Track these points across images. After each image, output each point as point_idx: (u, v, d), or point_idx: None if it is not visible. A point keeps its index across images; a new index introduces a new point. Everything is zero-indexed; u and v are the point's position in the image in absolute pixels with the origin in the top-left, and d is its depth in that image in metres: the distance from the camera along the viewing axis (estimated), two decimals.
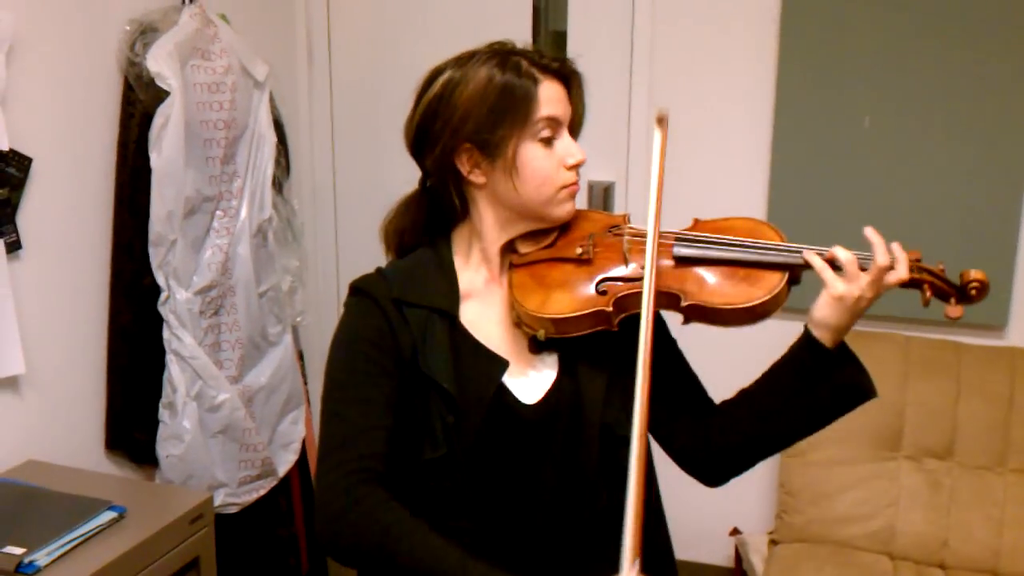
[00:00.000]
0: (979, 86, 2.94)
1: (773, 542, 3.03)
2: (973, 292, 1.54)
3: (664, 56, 3.23)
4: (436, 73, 1.56)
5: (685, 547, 3.30)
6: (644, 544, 1.53)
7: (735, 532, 3.28)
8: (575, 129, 1.57)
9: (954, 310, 1.54)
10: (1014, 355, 2.93)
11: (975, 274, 1.55)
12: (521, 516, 1.49)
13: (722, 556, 3.46)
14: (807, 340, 1.51)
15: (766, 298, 1.46)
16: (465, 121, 1.49)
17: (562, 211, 1.54)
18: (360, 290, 1.55)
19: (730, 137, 3.22)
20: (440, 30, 3.43)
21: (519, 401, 1.50)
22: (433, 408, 1.45)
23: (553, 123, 1.50)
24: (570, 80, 1.54)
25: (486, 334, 1.53)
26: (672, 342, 1.66)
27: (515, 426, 1.49)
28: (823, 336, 1.50)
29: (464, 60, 1.53)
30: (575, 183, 1.54)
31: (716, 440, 1.61)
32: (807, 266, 1.48)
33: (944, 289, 1.56)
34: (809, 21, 3.04)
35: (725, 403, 1.64)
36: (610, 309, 1.46)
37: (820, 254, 1.48)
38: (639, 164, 3.28)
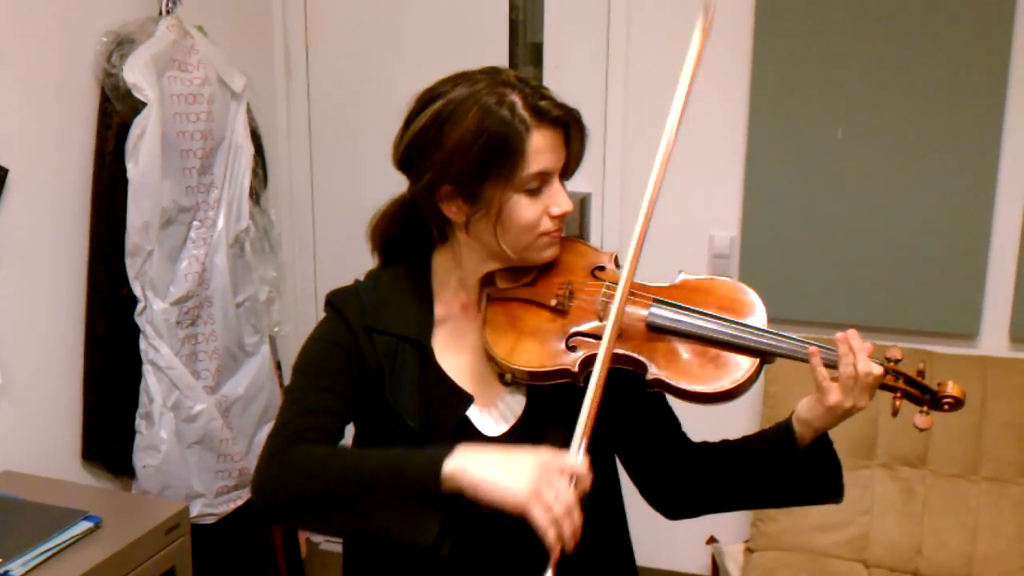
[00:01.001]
0: (951, 97, 2.97)
1: (749, 550, 3.04)
2: (946, 407, 1.49)
3: (639, 68, 3.25)
4: (427, 98, 1.48)
5: (662, 555, 3.34)
6: (605, 551, 1.55)
7: (712, 541, 3.29)
8: (568, 173, 1.52)
9: (923, 420, 1.47)
10: (985, 364, 2.96)
11: (952, 389, 1.47)
12: (479, 546, 1.48)
13: (699, 564, 3.47)
14: (786, 432, 1.51)
15: (734, 386, 1.43)
16: (449, 166, 1.43)
17: (542, 256, 1.51)
18: (333, 306, 1.56)
19: (704, 148, 3.24)
20: (418, 42, 3.44)
21: (480, 434, 1.49)
22: (396, 438, 1.46)
23: (541, 176, 1.44)
24: (569, 127, 1.48)
25: (457, 362, 1.53)
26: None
27: None
28: (803, 433, 1.50)
29: (457, 86, 1.46)
30: (558, 230, 1.49)
31: (681, 480, 1.61)
32: (783, 355, 1.46)
33: (917, 396, 1.49)
34: (782, 34, 3.07)
35: (702, 446, 1.64)
36: (576, 370, 1.43)
37: (825, 356, 1.46)
38: (615, 175, 3.30)
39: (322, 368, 1.52)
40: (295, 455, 1.41)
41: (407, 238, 1.61)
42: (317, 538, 3.77)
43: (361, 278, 1.61)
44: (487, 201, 1.43)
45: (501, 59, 3.37)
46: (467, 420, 1.50)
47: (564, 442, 1.42)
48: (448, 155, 1.43)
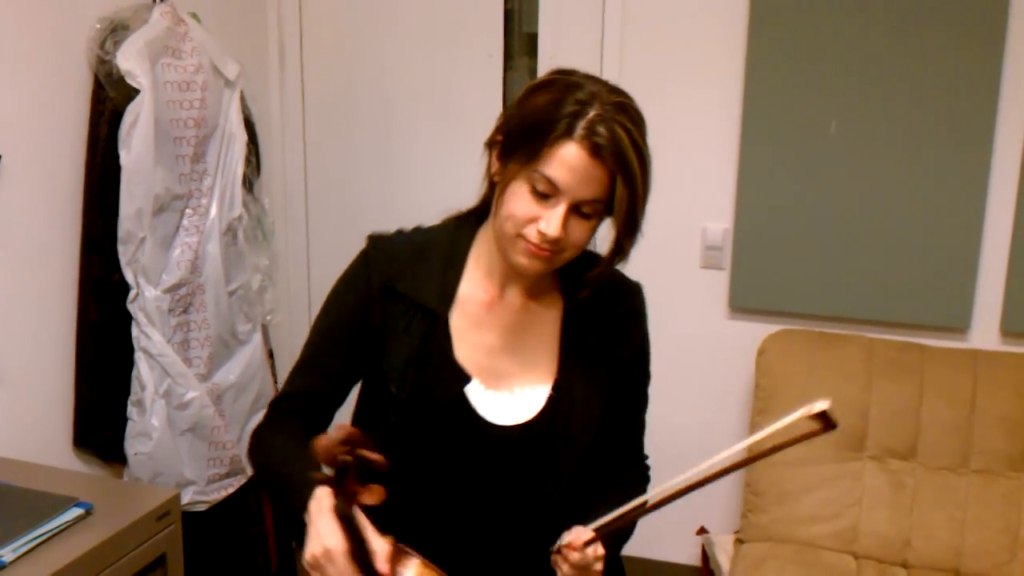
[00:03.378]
0: (944, 91, 2.98)
1: (739, 541, 3.05)
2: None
3: (634, 59, 3.25)
4: (556, 72, 1.51)
5: (652, 546, 3.35)
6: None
7: (702, 531, 3.30)
8: (620, 216, 1.43)
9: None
10: (976, 357, 2.97)
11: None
12: (465, 529, 1.49)
13: (689, 555, 3.49)
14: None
15: None
16: (510, 120, 1.46)
17: (517, 259, 1.46)
18: (367, 253, 1.58)
19: (698, 140, 3.25)
20: (412, 30, 3.44)
21: (481, 418, 1.49)
22: (386, 402, 1.47)
23: (551, 184, 1.39)
24: (616, 174, 1.40)
25: (471, 344, 1.53)
26: (641, 385, 1.66)
27: (475, 443, 1.48)
28: None
29: (577, 77, 1.47)
30: (537, 247, 1.43)
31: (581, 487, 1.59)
32: None
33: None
34: (776, 27, 3.07)
35: (621, 476, 1.65)
36: None
37: None
38: None
39: (333, 320, 1.57)
40: (261, 435, 1.59)
41: (481, 199, 1.61)
42: None
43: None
44: (509, 170, 1.44)
45: (496, 49, 3.37)
46: (466, 401, 1.49)
47: (576, 444, 1.47)
48: (518, 112, 1.45)
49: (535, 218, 1.41)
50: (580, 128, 1.38)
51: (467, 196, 1.64)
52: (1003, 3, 2.89)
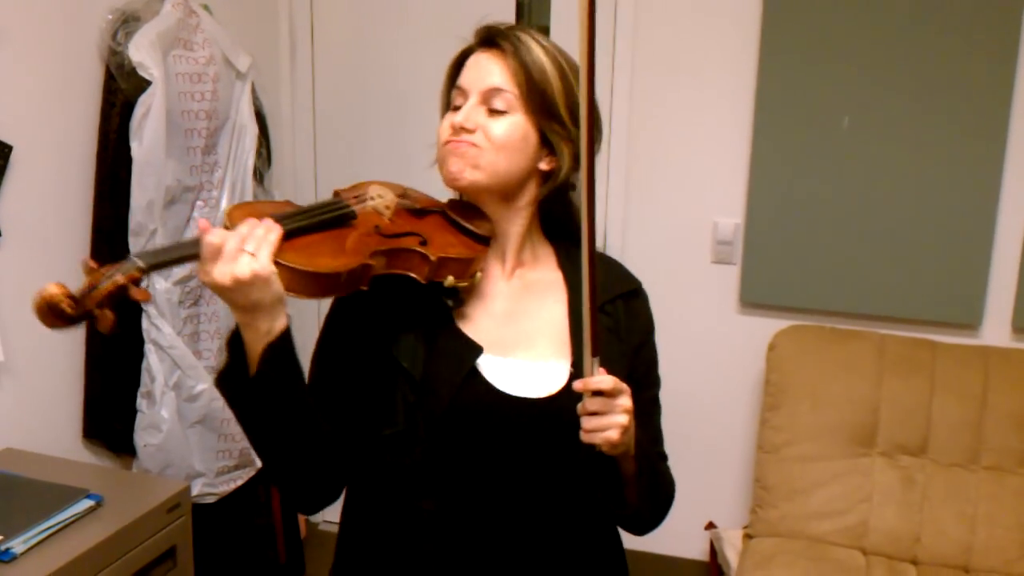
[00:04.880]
0: (957, 86, 2.97)
1: (748, 536, 3.05)
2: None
3: (646, 53, 3.24)
4: None
5: (660, 541, 3.33)
6: (595, 545, 1.55)
7: (711, 526, 3.30)
8: (533, 97, 1.46)
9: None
10: (987, 354, 2.96)
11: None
12: (490, 504, 1.47)
13: (697, 550, 3.49)
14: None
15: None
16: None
17: (445, 171, 1.49)
18: None
19: (710, 135, 3.24)
20: (422, 23, 3.43)
21: (498, 391, 1.47)
22: (397, 383, 1.45)
23: (460, 92, 1.49)
24: (500, 45, 1.49)
25: (478, 316, 1.51)
26: (648, 383, 1.63)
27: (493, 415, 1.47)
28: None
29: None
30: (452, 141, 1.46)
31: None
32: None
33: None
34: (790, 21, 3.06)
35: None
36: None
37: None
38: (620, 159, 3.30)
39: (325, 334, 1.54)
40: None
41: None
42: (316, 518, 3.78)
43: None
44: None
45: None
46: (478, 374, 1.47)
47: None
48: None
49: (449, 121, 1.49)
50: (483, 34, 1.52)
51: None
52: None
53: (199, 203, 2.76)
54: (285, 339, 1.33)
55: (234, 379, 1.36)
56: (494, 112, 1.46)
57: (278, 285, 1.29)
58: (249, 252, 1.26)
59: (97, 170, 2.59)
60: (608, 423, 1.35)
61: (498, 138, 1.45)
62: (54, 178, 2.52)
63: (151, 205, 2.56)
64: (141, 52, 2.52)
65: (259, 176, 2.97)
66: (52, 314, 1.24)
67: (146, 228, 2.56)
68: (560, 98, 1.46)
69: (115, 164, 2.57)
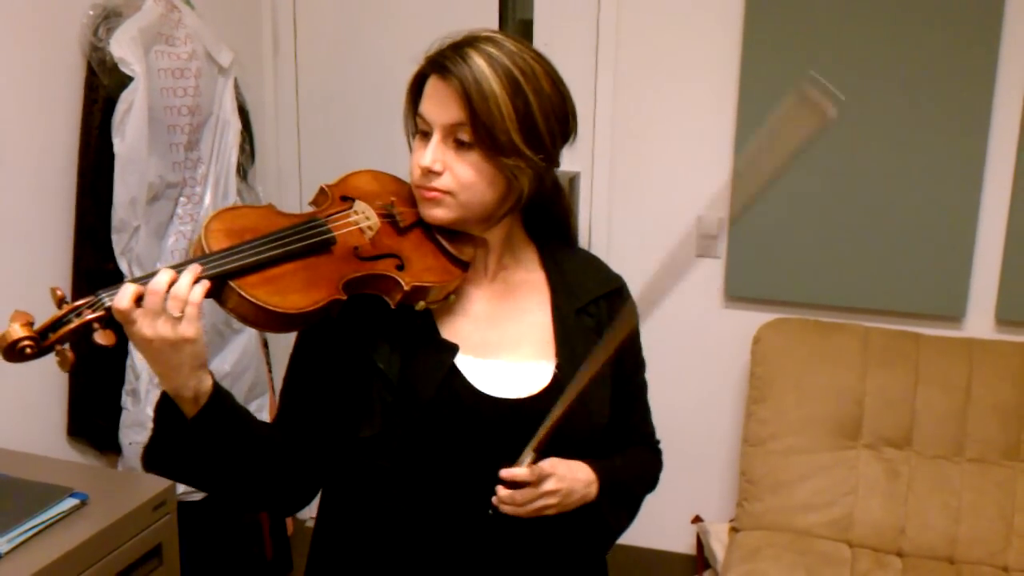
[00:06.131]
0: (940, 79, 2.98)
1: (734, 530, 3.06)
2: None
3: (630, 47, 3.24)
4: None
5: (647, 535, 3.36)
6: (573, 544, 1.55)
7: (697, 520, 3.31)
8: (482, 138, 1.39)
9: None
10: (971, 346, 2.98)
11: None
12: (469, 503, 1.46)
13: (684, 544, 3.49)
14: None
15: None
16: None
17: (422, 211, 1.47)
18: None
19: (694, 128, 3.24)
20: (406, 18, 3.42)
21: (479, 392, 1.46)
22: (375, 386, 1.45)
23: (424, 121, 1.43)
24: (455, 82, 1.38)
25: (456, 319, 1.51)
26: (637, 365, 1.66)
27: (473, 415, 1.47)
28: None
29: None
30: (422, 187, 1.44)
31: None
32: None
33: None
34: (772, 16, 3.06)
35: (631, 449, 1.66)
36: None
37: None
38: (604, 155, 3.30)
39: (302, 337, 1.54)
40: None
41: None
42: (303, 515, 3.77)
43: None
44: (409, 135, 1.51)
45: None
46: (459, 375, 1.47)
47: (590, 419, 1.48)
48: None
49: (417, 162, 1.44)
50: (433, 59, 1.42)
51: None
52: None
53: (182, 199, 2.74)
54: (216, 399, 1.34)
55: (169, 450, 1.36)
56: (461, 145, 1.41)
57: (201, 346, 1.28)
58: (174, 316, 1.24)
59: (79, 167, 2.58)
60: (539, 506, 1.42)
61: (465, 179, 1.42)
62: (36, 175, 2.51)
63: (134, 202, 2.55)
64: (123, 47, 2.50)
65: (242, 172, 2.96)
66: (12, 355, 1.22)
67: (129, 225, 2.55)
68: (511, 123, 1.38)
69: (97, 161, 2.55)
